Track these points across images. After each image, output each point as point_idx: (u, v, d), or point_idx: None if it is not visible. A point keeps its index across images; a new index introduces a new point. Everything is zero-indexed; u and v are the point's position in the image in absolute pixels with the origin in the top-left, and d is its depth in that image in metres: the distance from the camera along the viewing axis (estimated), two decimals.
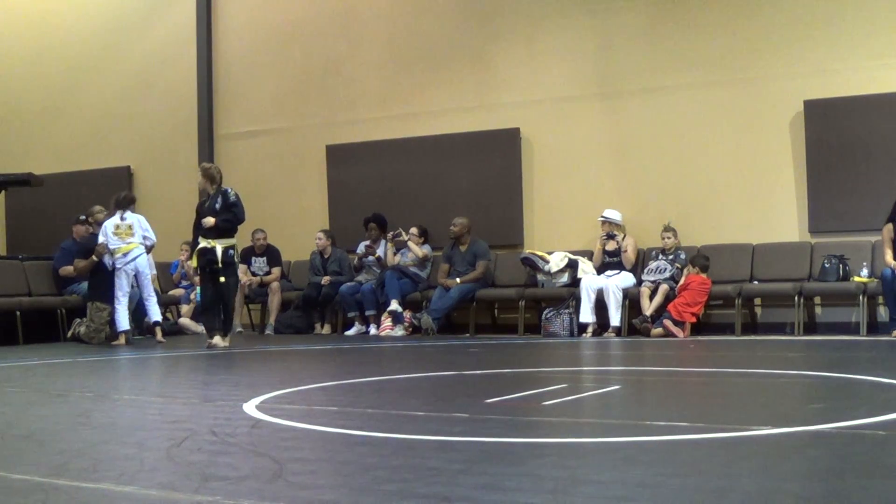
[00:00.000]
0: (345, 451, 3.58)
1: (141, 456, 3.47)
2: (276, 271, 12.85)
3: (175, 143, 14.42)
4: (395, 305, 11.55)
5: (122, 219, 10.69)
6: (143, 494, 2.84)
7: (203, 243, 9.60)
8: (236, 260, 9.80)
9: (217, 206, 9.61)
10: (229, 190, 9.77)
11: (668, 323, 10.18)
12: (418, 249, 12.03)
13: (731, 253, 10.90)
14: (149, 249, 10.91)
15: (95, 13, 15.21)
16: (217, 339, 9.66)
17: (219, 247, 9.53)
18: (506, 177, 12.17)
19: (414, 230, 12.16)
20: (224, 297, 9.69)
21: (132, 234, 10.68)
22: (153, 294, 11.00)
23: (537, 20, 12.20)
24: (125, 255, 10.59)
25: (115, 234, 10.65)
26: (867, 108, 10.48)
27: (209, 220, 9.52)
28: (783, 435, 3.74)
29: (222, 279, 9.55)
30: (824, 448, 3.50)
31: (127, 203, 10.86)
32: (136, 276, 10.71)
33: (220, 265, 9.53)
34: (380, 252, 12.36)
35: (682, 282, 10.47)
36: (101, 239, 10.72)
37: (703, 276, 10.40)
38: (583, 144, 11.89)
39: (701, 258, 10.51)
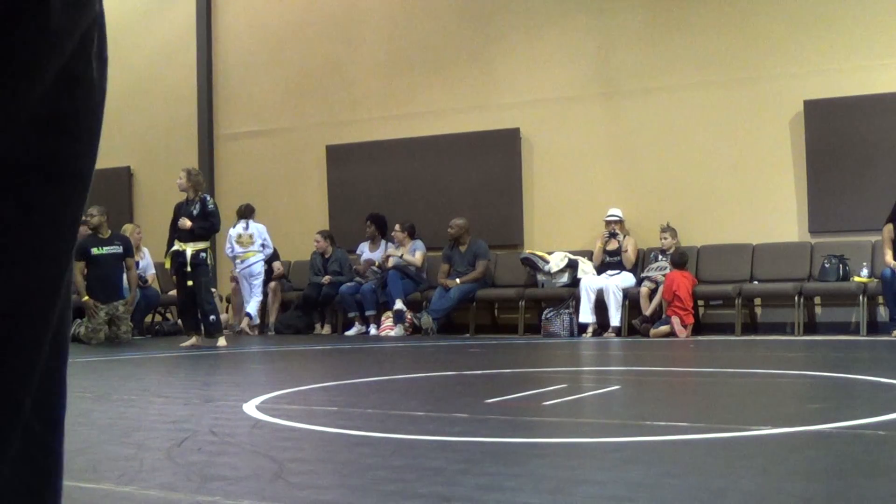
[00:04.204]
0: (345, 452, 3.58)
1: (141, 456, 3.47)
2: (276, 265, 12.77)
3: (175, 143, 14.42)
4: (399, 305, 11.54)
5: (245, 228, 12.02)
6: (143, 494, 2.84)
7: (176, 246, 9.71)
8: (208, 262, 9.84)
9: (194, 212, 9.69)
10: (208, 198, 9.90)
11: (675, 321, 10.17)
12: (415, 259, 11.95)
13: (731, 253, 10.90)
14: (268, 257, 12.22)
15: None
16: (193, 340, 9.76)
17: (189, 249, 9.60)
18: (506, 177, 12.17)
19: (399, 233, 12.09)
20: (195, 298, 9.73)
21: (252, 243, 11.99)
22: (259, 295, 12.13)
23: (537, 20, 12.20)
24: (244, 261, 12.03)
25: (238, 242, 11.97)
26: (867, 108, 10.48)
27: (185, 223, 9.63)
28: (783, 435, 3.74)
29: (190, 283, 9.62)
30: (824, 448, 3.50)
31: (249, 213, 12.09)
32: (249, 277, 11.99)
33: (189, 268, 9.59)
34: (379, 254, 12.32)
35: (664, 283, 10.40)
36: (227, 247, 12.04)
37: (683, 271, 10.40)
38: (583, 144, 11.89)
39: (677, 255, 10.51)
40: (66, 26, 0.80)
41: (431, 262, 12.14)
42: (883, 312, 10.16)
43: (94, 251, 10.90)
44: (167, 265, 10.19)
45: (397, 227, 12.14)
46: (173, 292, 13.12)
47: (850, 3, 10.68)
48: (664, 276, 10.56)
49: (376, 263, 12.19)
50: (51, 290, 0.82)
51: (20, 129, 0.78)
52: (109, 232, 11.20)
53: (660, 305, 10.48)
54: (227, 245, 12.16)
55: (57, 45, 0.80)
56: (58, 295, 0.82)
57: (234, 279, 12.73)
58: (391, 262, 11.94)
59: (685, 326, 10.21)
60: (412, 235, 12.13)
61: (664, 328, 10.25)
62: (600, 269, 11.13)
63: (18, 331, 0.79)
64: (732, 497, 2.66)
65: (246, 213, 12.17)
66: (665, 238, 10.87)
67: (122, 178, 14.71)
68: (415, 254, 11.98)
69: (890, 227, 9.82)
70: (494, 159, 12.23)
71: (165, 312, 13.21)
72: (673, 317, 10.20)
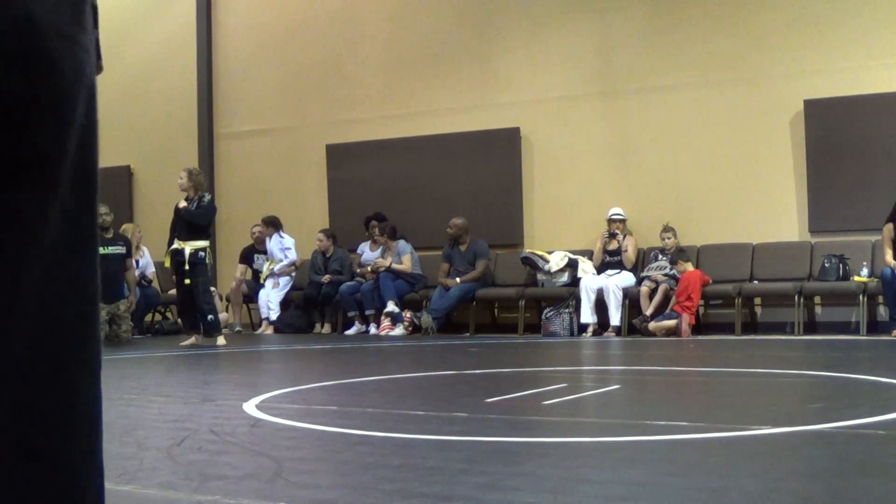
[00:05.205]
0: (344, 451, 3.58)
1: (141, 455, 3.47)
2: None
3: (175, 143, 14.42)
4: (391, 307, 11.53)
5: (280, 236, 12.74)
6: (142, 494, 2.85)
7: (175, 244, 9.70)
8: (207, 261, 9.84)
9: (193, 207, 9.72)
10: (206, 195, 9.93)
11: (684, 318, 10.15)
12: (404, 266, 11.91)
13: (731, 253, 10.91)
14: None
15: None
16: (193, 339, 9.76)
17: (187, 248, 9.60)
18: (506, 177, 12.17)
19: (380, 237, 12.06)
20: (193, 297, 9.72)
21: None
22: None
23: (537, 20, 12.20)
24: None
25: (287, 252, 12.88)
26: (867, 108, 10.48)
27: (183, 202, 9.69)
28: (783, 435, 3.74)
29: (187, 281, 9.61)
30: (824, 448, 3.50)
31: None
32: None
33: (187, 266, 9.59)
34: (378, 255, 12.30)
35: (680, 283, 10.42)
36: (277, 254, 12.73)
37: (689, 267, 10.44)
38: (583, 144, 11.89)
39: (677, 254, 10.56)
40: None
41: (431, 261, 12.14)
42: (883, 312, 10.17)
43: (100, 251, 10.89)
44: (167, 264, 10.20)
45: (377, 230, 12.11)
46: (173, 291, 13.16)
47: (850, 3, 10.68)
48: (664, 275, 10.58)
49: (369, 269, 12.13)
50: (88, 290, 0.83)
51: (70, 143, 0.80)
52: (113, 232, 11.20)
53: (660, 305, 10.48)
54: (277, 254, 12.66)
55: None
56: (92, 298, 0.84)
57: (240, 281, 12.77)
58: (382, 270, 11.90)
59: (678, 317, 10.21)
60: (393, 237, 12.09)
61: (667, 323, 10.23)
62: (600, 268, 11.14)
63: (55, 328, 0.80)
64: (732, 497, 2.66)
65: (278, 222, 12.75)
66: (669, 238, 10.87)
67: (122, 178, 14.70)
68: (402, 259, 11.95)
69: (890, 226, 9.82)
70: (494, 159, 12.24)
71: (165, 312, 13.21)
72: (683, 314, 10.18)
